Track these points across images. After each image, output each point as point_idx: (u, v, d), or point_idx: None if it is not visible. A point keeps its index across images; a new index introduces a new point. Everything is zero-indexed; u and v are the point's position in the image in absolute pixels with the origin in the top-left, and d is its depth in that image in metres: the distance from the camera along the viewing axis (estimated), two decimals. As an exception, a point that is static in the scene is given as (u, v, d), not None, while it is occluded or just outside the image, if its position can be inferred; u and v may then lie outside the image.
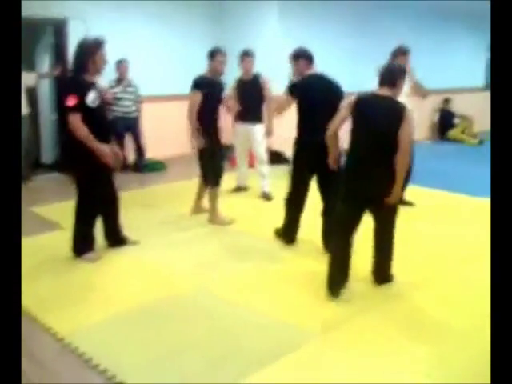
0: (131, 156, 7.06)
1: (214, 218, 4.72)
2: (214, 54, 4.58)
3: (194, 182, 5.07)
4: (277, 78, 5.96)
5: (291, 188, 4.01)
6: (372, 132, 3.12)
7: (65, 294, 3.30)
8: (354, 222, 3.26)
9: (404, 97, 3.79)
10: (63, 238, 4.03)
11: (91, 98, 3.53)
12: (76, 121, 3.47)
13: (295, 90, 3.89)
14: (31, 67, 6.71)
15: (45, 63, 6.91)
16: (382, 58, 4.70)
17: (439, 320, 3.02)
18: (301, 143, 3.92)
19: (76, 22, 6.47)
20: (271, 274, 3.62)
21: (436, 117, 10.54)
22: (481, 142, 9.51)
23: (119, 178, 4.13)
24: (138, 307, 3.13)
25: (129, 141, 7.04)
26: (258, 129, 5.55)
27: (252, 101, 5.49)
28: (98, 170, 3.66)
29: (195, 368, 2.53)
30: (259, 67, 5.58)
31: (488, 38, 9.82)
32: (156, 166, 7.16)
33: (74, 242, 3.82)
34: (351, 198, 3.25)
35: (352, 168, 3.24)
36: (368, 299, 3.24)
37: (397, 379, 2.43)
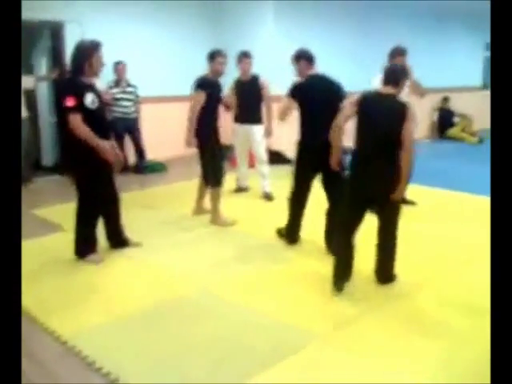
0: (131, 157, 7.08)
1: (216, 219, 4.73)
2: (214, 56, 4.60)
3: (194, 183, 5.08)
4: (274, 79, 5.98)
5: (294, 187, 4.02)
6: (376, 130, 3.16)
7: (67, 296, 3.30)
8: (356, 222, 3.31)
9: (405, 97, 3.80)
10: (65, 239, 4.04)
11: (90, 100, 3.54)
12: (76, 120, 3.47)
13: (296, 91, 3.89)
14: (29, 70, 6.74)
15: (42, 66, 6.94)
16: (380, 58, 4.72)
17: (441, 320, 3.02)
18: (304, 144, 3.92)
19: (73, 25, 6.48)
20: (274, 275, 3.63)
21: (435, 116, 10.55)
22: (481, 141, 9.52)
23: (120, 180, 4.14)
24: (140, 309, 3.14)
25: (128, 142, 7.05)
26: (258, 129, 5.56)
27: (251, 101, 5.51)
28: (98, 170, 3.67)
29: (198, 370, 2.53)
30: (256, 68, 5.59)
31: (485, 37, 9.87)
32: (156, 167, 7.17)
33: (75, 243, 3.83)
34: (355, 196, 3.28)
35: (357, 166, 3.27)
36: (371, 299, 3.25)
37: (399, 379, 2.44)
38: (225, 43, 6.37)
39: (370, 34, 8.56)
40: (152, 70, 7.40)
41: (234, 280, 3.55)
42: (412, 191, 4.98)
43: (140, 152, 7.10)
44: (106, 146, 3.61)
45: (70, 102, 3.46)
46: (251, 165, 6.08)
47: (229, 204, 5.07)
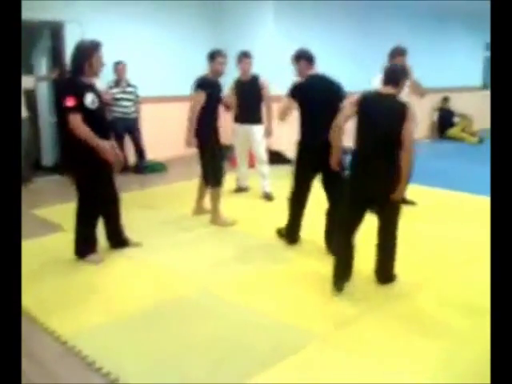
0: (131, 157, 7.08)
1: (216, 219, 4.73)
2: (214, 56, 4.60)
3: (194, 183, 5.08)
4: (274, 78, 5.98)
5: (294, 187, 4.02)
6: (376, 130, 3.17)
7: (67, 296, 3.30)
8: (356, 222, 3.31)
9: (405, 97, 3.81)
10: (65, 239, 4.04)
11: (90, 100, 3.54)
12: (76, 120, 3.47)
13: (296, 91, 3.89)
14: (29, 70, 6.74)
15: (42, 66, 6.94)
16: (380, 59, 4.71)
17: (441, 320, 3.02)
18: (303, 144, 3.92)
19: (73, 25, 6.48)
20: (274, 275, 3.63)
21: (435, 116, 10.56)
22: (481, 141, 9.52)
23: (120, 180, 4.14)
24: (140, 309, 3.14)
25: (128, 142, 7.05)
26: (258, 129, 5.57)
27: (251, 101, 5.51)
28: (98, 170, 3.67)
29: (198, 369, 2.53)
30: (256, 68, 5.59)
31: (485, 37, 9.86)
32: (156, 167, 7.17)
33: (75, 243, 3.83)
34: (355, 196, 3.29)
35: (357, 166, 3.28)
36: (371, 299, 3.25)
37: (399, 379, 2.44)
38: (225, 43, 6.37)
39: (369, 33, 8.56)
40: (152, 70, 7.40)
41: (234, 280, 3.55)
42: (412, 191, 4.98)
43: (140, 152, 7.10)
44: (106, 146, 3.61)
45: (69, 102, 3.46)
46: (251, 165, 6.08)
47: (229, 204, 5.07)
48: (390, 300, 3.24)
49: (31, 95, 6.71)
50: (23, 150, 5.57)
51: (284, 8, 7.44)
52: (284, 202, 4.14)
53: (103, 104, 3.82)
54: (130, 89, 6.92)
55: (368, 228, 3.36)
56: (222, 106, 4.89)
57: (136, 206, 5.23)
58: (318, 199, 4.02)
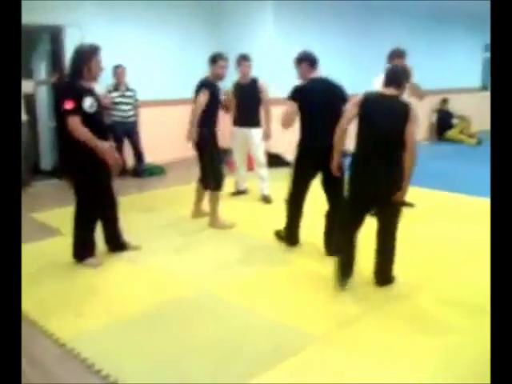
0: (130, 161, 7.08)
1: (215, 222, 4.73)
2: (215, 59, 4.61)
3: (193, 186, 5.08)
4: (273, 81, 5.99)
5: (291, 188, 4.01)
6: (377, 131, 3.17)
7: (66, 300, 3.30)
8: (357, 223, 3.32)
9: (405, 98, 3.80)
10: (63, 243, 4.04)
11: (88, 104, 3.54)
12: (75, 122, 3.47)
13: (296, 94, 3.88)
14: (28, 74, 6.73)
15: (42, 70, 6.94)
16: (379, 60, 4.72)
17: (441, 320, 3.03)
18: (303, 146, 3.91)
19: (72, 28, 6.48)
20: (274, 277, 3.63)
21: (434, 117, 10.56)
22: (479, 142, 9.54)
23: (118, 183, 4.14)
24: (139, 312, 3.13)
25: (127, 145, 7.05)
26: (256, 132, 5.57)
27: (250, 104, 5.51)
28: (96, 174, 3.67)
29: (198, 371, 2.53)
30: (256, 70, 5.59)
31: (485, 38, 9.84)
32: (155, 171, 7.17)
33: (74, 247, 3.82)
34: (356, 197, 3.29)
35: (357, 167, 3.28)
36: (370, 301, 3.25)
37: (399, 379, 2.44)
38: (224, 45, 6.38)
39: (369, 35, 8.57)
40: (151, 73, 7.40)
41: (234, 282, 3.55)
42: (411, 193, 4.97)
43: (139, 155, 7.10)
44: (105, 147, 3.61)
45: (68, 105, 3.46)
46: (250, 168, 6.08)
47: (228, 207, 5.07)
48: (390, 300, 3.24)
49: (30, 99, 6.71)
50: (22, 153, 5.57)
51: (283, 10, 7.45)
52: (282, 204, 4.14)
53: (102, 108, 3.82)
54: (129, 93, 6.92)
55: (369, 228, 3.36)
56: (221, 107, 4.89)
57: (135, 209, 5.23)
58: (317, 201, 4.02)
